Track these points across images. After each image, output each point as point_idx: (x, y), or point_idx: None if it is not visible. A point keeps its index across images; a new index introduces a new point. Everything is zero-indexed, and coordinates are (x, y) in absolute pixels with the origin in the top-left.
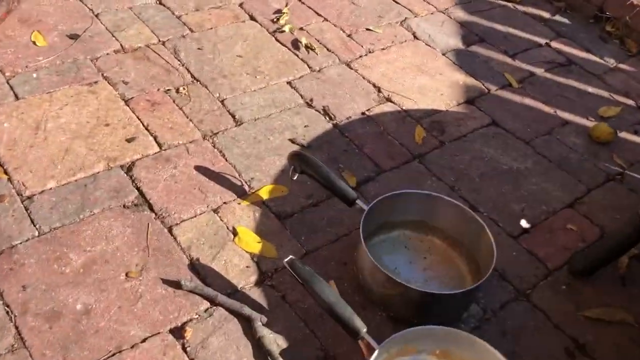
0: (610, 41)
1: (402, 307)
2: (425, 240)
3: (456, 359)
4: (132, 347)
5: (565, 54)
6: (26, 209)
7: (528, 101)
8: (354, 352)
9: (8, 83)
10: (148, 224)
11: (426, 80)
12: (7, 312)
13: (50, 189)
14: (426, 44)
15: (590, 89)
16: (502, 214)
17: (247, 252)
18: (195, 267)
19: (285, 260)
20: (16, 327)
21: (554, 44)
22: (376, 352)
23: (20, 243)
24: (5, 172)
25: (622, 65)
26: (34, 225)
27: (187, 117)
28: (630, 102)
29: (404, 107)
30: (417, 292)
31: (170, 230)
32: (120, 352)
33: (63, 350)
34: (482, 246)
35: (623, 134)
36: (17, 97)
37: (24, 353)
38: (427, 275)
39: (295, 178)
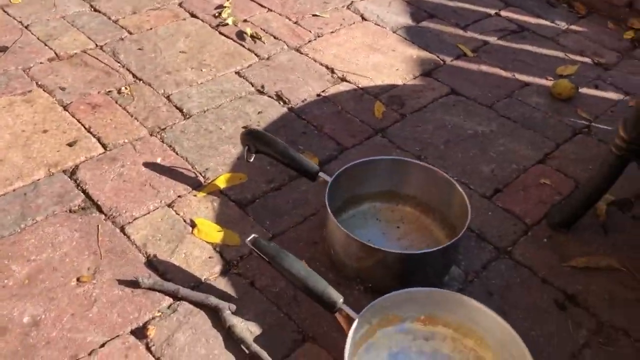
0: (559, 5)
1: (380, 276)
2: (396, 210)
3: (442, 323)
4: (90, 353)
5: (516, 22)
6: None
7: (485, 68)
8: (334, 330)
9: None
10: (98, 225)
11: (379, 57)
12: None
13: None
14: (375, 24)
15: (545, 51)
16: (472, 177)
17: (208, 242)
18: (153, 264)
19: (248, 239)
20: None
21: (503, 13)
22: (355, 322)
23: None
24: None
25: (573, 27)
26: None
27: (132, 116)
28: (587, 59)
29: (360, 85)
30: (393, 255)
31: (122, 229)
32: None
33: None
34: (455, 207)
35: (584, 90)
36: None
37: None
38: (401, 244)
39: (251, 160)
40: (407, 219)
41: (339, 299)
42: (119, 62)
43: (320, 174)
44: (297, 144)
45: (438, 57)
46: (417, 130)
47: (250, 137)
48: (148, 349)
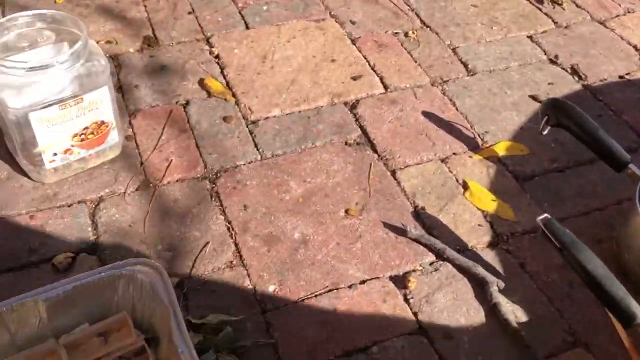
0: None
1: None
2: None
3: None
4: (350, 286)
5: None
6: (250, 133)
7: None
8: (613, 343)
9: (240, 13)
10: (370, 164)
11: None
12: (228, 229)
13: (275, 116)
14: None
15: None
16: None
17: (478, 209)
18: (420, 216)
19: (539, 218)
20: (236, 245)
21: None
22: None
23: (244, 164)
24: (234, 95)
25: None
26: (257, 149)
27: (416, 62)
28: None
29: None
30: None
31: (393, 174)
32: (337, 289)
33: (279, 275)
34: None
35: None
36: (247, 27)
37: (242, 271)
38: None
39: (545, 132)
40: None
41: (639, 312)
42: (408, 6)
43: (631, 165)
44: None
45: None
46: None
47: (555, 108)
48: (406, 300)
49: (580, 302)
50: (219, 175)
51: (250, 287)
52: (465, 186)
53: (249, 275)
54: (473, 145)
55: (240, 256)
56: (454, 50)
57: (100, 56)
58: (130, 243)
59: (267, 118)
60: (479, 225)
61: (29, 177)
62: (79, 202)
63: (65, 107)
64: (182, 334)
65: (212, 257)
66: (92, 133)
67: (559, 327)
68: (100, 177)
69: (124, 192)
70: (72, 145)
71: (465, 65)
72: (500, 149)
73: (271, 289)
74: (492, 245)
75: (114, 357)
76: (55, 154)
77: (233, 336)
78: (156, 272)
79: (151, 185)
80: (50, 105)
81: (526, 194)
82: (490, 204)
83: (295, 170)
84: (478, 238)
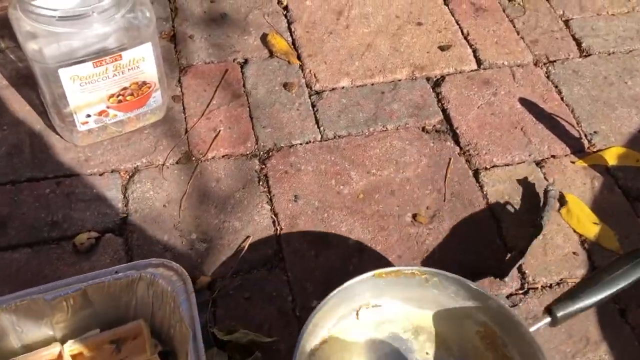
0: None
1: None
2: None
3: None
4: None
5: None
6: (313, 106)
7: None
8: None
9: None
10: (450, 159)
11: None
12: (274, 223)
13: (343, 87)
14: None
15: None
16: None
17: (576, 232)
18: (502, 235)
19: None
20: (279, 244)
21: None
22: None
23: (300, 144)
24: (299, 57)
25: None
26: (318, 127)
27: (518, 34)
28: None
29: None
30: None
31: (476, 174)
32: None
33: (325, 288)
34: None
35: None
36: None
37: (282, 277)
38: None
39: None
40: None
41: None
42: None
43: None
44: None
45: None
46: None
47: None
48: None
49: None
50: (270, 154)
51: (290, 299)
52: (562, 201)
53: (289, 284)
54: (577, 148)
55: (283, 258)
56: (566, 22)
57: (146, 6)
58: (162, 227)
59: (333, 89)
60: (574, 253)
61: (60, 136)
62: (112, 171)
63: (101, 64)
64: None
65: (251, 255)
66: (132, 94)
67: None
68: (139, 143)
69: (163, 164)
70: (108, 107)
71: (579, 43)
72: (611, 157)
73: (314, 304)
74: None
75: None
76: (88, 115)
77: None
78: (180, 279)
79: (194, 159)
80: (83, 61)
81: (637, 218)
82: (591, 227)
83: (359, 158)
84: (570, 270)
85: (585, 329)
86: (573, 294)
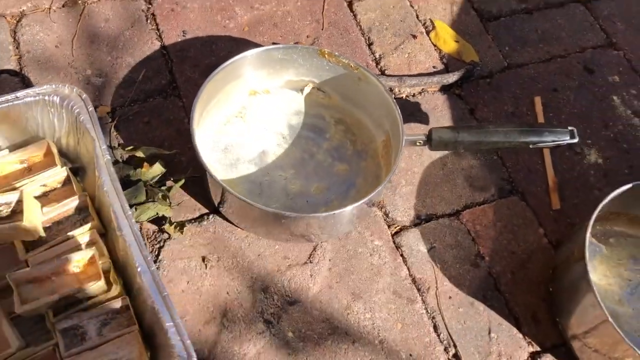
0: None
1: None
2: None
3: None
4: None
5: None
6: None
7: None
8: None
9: None
10: None
11: None
12: (164, 56)
13: None
14: None
15: None
16: None
17: (437, 50)
18: (373, 52)
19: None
20: (172, 74)
21: None
22: None
23: None
24: None
25: None
26: None
27: None
28: None
29: None
30: None
31: (350, 5)
32: None
33: None
34: None
35: None
36: None
37: (177, 103)
38: None
39: None
40: None
41: None
42: None
43: None
44: None
45: None
46: None
47: None
48: None
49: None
50: None
51: (187, 121)
52: (432, 26)
53: (184, 108)
54: None
55: (177, 87)
56: None
57: None
58: (57, 66)
59: None
60: (433, 67)
61: None
62: None
63: None
64: (106, 166)
65: (146, 85)
66: None
67: (499, 174)
68: None
69: (49, 8)
70: None
71: None
72: None
73: None
74: (444, 89)
75: (38, 185)
76: None
77: (164, 169)
78: (79, 98)
79: (80, 1)
80: None
81: (488, 36)
82: (453, 44)
83: None
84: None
85: None
86: (455, 129)
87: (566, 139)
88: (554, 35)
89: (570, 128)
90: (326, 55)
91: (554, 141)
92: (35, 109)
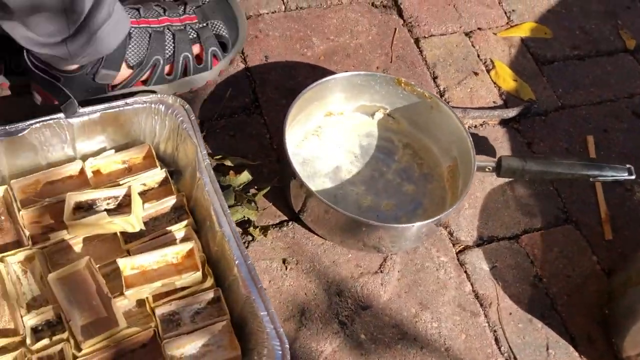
0: None
1: None
2: None
3: None
4: None
5: None
6: None
7: None
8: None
9: None
10: (395, 29)
11: None
12: (248, 77)
13: None
14: None
15: None
16: None
17: (496, 87)
18: (438, 85)
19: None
20: (255, 94)
21: None
22: None
23: (267, 13)
24: None
25: None
26: (282, 0)
27: None
28: None
29: None
30: None
31: (417, 41)
32: None
33: None
34: None
35: None
36: None
37: (259, 120)
38: None
39: None
40: None
41: None
42: None
43: None
44: (617, 17)
45: None
46: None
47: None
48: None
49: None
50: None
51: (268, 137)
52: (491, 65)
53: (266, 125)
54: (499, 22)
55: (259, 105)
56: None
57: None
58: None
59: None
60: (494, 102)
61: None
62: None
63: None
64: (206, 169)
65: (232, 103)
66: None
67: (555, 204)
68: None
69: None
70: None
71: None
72: (525, 30)
73: None
74: (503, 123)
75: (139, 184)
76: None
77: (251, 177)
78: (182, 108)
79: None
80: None
81: (543, 78)
82: (511, 83)
83: (319, 26)
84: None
85: None
86: (523, 158)
87: (624, 175)
88: (604, 80)
89: (628, 166)
90: (402, 84)
91: (613, 176)
92: (141, 115)
